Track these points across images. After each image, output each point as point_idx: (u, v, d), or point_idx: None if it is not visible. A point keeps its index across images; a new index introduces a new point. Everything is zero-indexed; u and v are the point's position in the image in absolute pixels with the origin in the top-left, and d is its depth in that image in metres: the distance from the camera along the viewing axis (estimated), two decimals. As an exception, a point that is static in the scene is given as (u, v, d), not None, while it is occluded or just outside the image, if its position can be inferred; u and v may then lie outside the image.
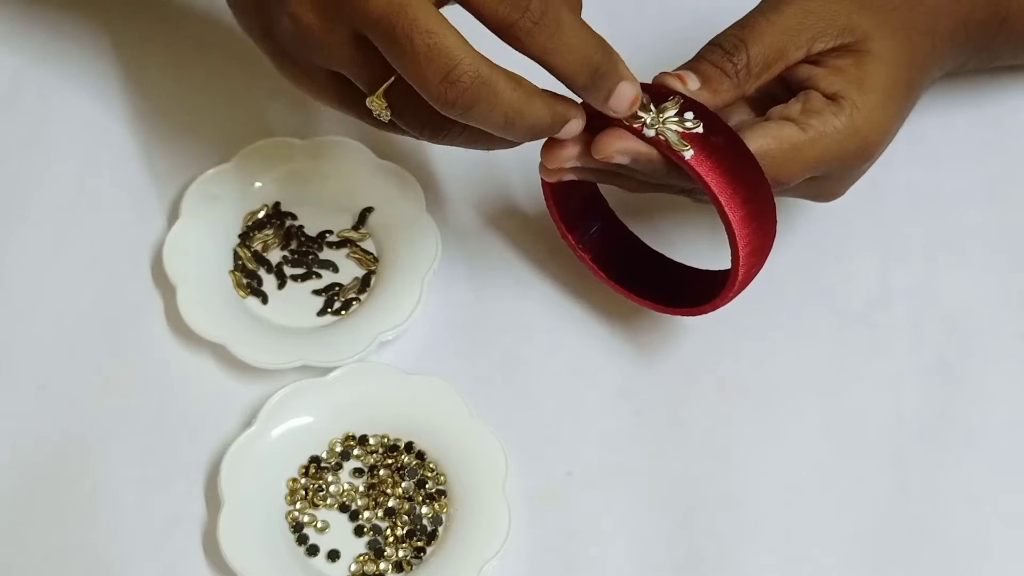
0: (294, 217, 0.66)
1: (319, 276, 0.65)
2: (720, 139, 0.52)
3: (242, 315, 0.63)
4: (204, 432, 0.60)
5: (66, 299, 0.63)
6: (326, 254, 0.66)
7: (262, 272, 0.65)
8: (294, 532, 0.59)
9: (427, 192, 0.65)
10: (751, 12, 0.56)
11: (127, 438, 0.60)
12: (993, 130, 0.69)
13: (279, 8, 0.49)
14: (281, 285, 0.65)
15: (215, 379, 0.62)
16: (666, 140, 0.51)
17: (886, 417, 0.62)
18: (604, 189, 0.63)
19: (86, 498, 0.59)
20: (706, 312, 0.57)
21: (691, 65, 0.55)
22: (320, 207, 0.66)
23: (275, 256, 0.65)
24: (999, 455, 0.61)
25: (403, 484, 0.60)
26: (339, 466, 0.60)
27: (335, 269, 0.65)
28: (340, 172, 0.66)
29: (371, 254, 0.66)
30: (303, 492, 0.59)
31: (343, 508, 0.59)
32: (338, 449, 0.60)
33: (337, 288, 0.65)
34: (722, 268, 0.56)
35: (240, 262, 0.65)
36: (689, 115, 0.52)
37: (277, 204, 0.66)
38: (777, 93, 0.56)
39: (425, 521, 0.59)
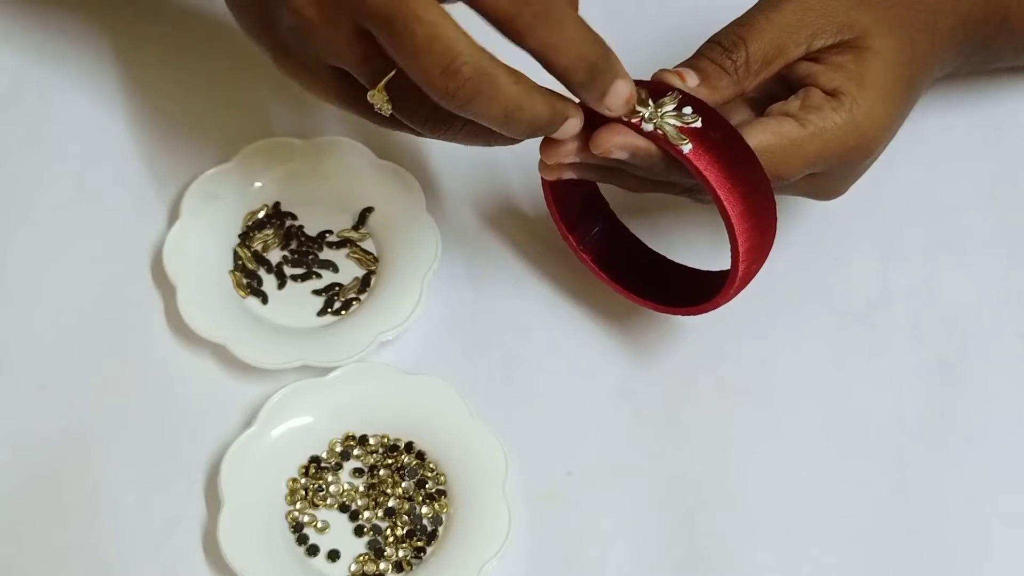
0: (294, 217, 0.66)
1: (319, 276, 0.65)
2: (719, 134, 0.52)
3: (242, 315, 0.63)
4: (204, 432, 0.60)
5: (66, 299, 0.63)
6: (326, 254, 0.66)
7: (262, 272, 0.65)
8: (294, 532, 0.59)
9: (427, 192, 0.65)
10: (750, 10, 0.56)
11: (127, 438, 0.60)
12: (993, 130, 0.69)
13: (279, 3, 0.49)
14: (281, 285, 0.65)
15: (215, 379, 0.62)
16: (664, 134, 0.51)
17: (886, 417, 0.62)
18: (604, 190, 0.63)
19: (86, 498, 0.59)
20: (707, 311, 0.57)
21: (690, 62, 0.55)
22: (320, 207, 0.66)
23: (275, 256, 0.65)
24: (999, 455, 0.61)
25: (403, 484, 0.60)
26: (339, 466, 0.60)
27: (335, 269, 0.65)
28: (340, 172, 0.66)
29: (371, 254, 0.66)
30: (303, 492, 0.59)
31: (343, 508, 0.59)
32: (338, 449, 0.60)
33: (337, 288, 0.65)
34: (722, 269, 0.56)
35: (240, 262, 0.65)
36: (687, 110, 0.52)
37: (277, 204, 0.66)
38: (777, 93, 0.56)
39: (425, 521, 0.59)
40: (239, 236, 0.65)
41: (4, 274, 0.64)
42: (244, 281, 0.64)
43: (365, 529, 0.59)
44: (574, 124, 0.51)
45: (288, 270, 0.65)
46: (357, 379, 0.61)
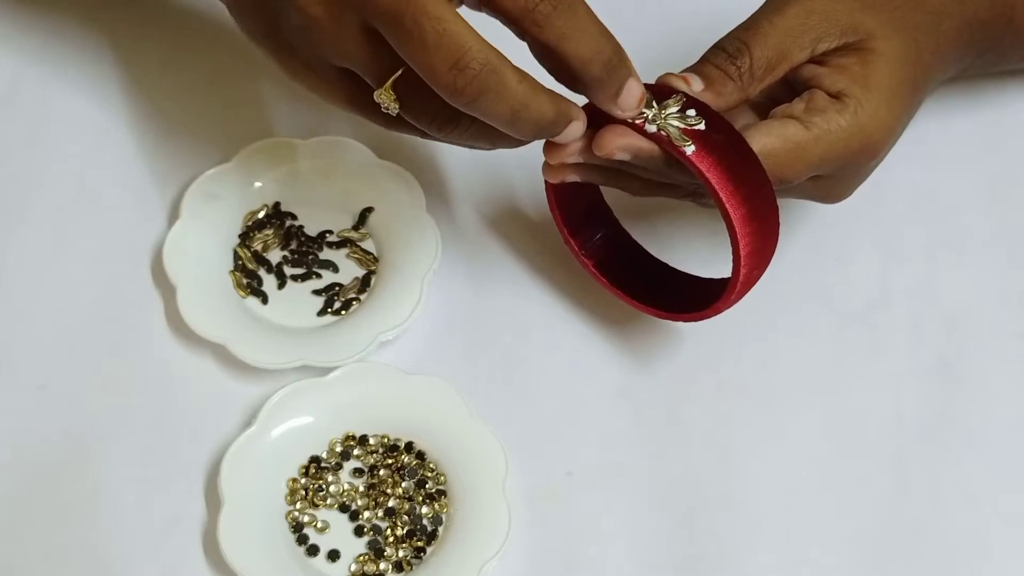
0: (294, 217, 0.66)
1: (319, 276, 0.65)
2: (722, 136, 0.52)
3: (242, 315, 0.63)
4: (204, 432, 0.60)
5: (66, 299, 0.63)
6: (326, 254, 0.66)
7: (262, 272, 0.65)
8: (294, 532, 0.59)
9: (427, 192, 0.65)
10: (754, 14, 0.55)
11: (127, 438, 0.60)
12: (993, 131, 0.69)
13: (286, 2, 0.49)
14: (281, 285, 0.65)
15: (215, 379, 0.62)
16: (668, 136, 0.51)
17: (886, 417, 0.62)
18: (607, 195, 0.63)
19: (86, 498, 0.59)
20: (708, 316, 0.57)
21: (695, 68, 0.55)
22: (320, 207, 0.66)
23: (275, 256, 0.65)
24: (999, 455, 0.61)
25: (403, 484, 0.60)
26: (339, 466, 0.60)
27: (335, 269, 0.65)
28: (340, 172, 0.66)
29: (371, 254, 0.66)
30: (303, 492, 0.59)
31: (343, 508, 0.59)
32: (338, 449, 0.60)
33: (337, 288, 0.65)
34: (724, 277, 0.56)
35: (240, 262, 0.65)
36: (691, 112, 0.52)
37: (277, 204, 0.66)
38: (781, 97, 0.56)
39: (425, 521, 0.59)
40: (239, 236, 0.65)
41: (4, 274, 0.64)
42: (244, 281, 0.64)
43: (365, 529, 0.59)
44: (577, 127, 0.51)
45: (288, 270, 0.65)
46: (357, 379, 0.61)
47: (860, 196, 0.61)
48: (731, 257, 0.53)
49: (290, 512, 0.59)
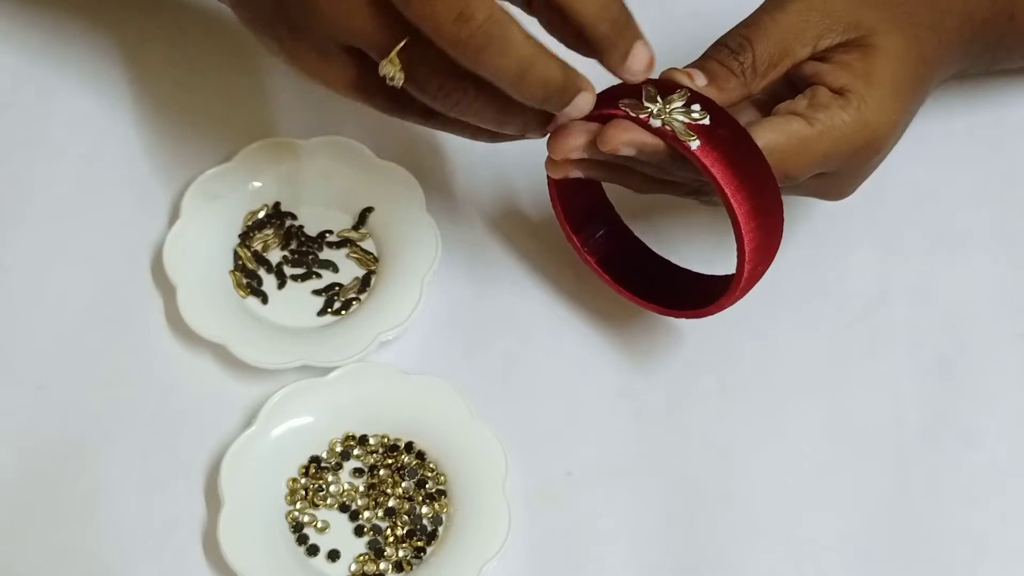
0: (294, 217, 0.66)
1: (319, 276, 0.65)
2: (726, 131, 0.51)
3: (242, 315, 0.63)
4: (204, 432, 0.60)
5: (66, 299, 0.63)
6: (326, 254, 0.66)
7: (262, 272, 0.65)
8: (294, 532, 0.59)
9: (427, 192, 0.65)
10: (756, 11, 0.56)
11: (127, 438, 0.60)
12: (994, 130, 0.69)
13: None
14: (281, 285, 0.65)
15: (215, 379, 0.62)
16: (672, 131, 0.51)
17: (886, 417, 0.62)
18: (609, 194, 0.63)
19: (86, 498, 0.59)
20: (712, 312, 0.57)
21: (698, 64, 0.55)
22: (320, 207, 0.66)
23: (275, 256, 0.65)
24: (999, 455, 0.61)
25: (403, 484, 0.60)
26: (339, 466, 0.60)
27: (335, 269, 0.65)
28: (340, 172, 0.66)
29: (371, 254, 0.66)
30: (303, 492, 0.59)
31: (343, 508, 0.59)
32: (338, 449, 0.60)
33: (337, 288, 0.65)
34: (727, 273, 0.56)
35: (240, 262, 0.65)
36: (696, 107, 0.52)
37: (277, 204, 0.66)
38: (784, 96, 0.56)
39: (425, 521, 0.59)
40: (239, 236, 0.65)
41: (4, 274, 0.64)
42: (244, 281, 0.64)
43: (365, 529, 0.59)
44: (586, 99, 0.50)
45: (288, 270, 0.65)
46: (357, 379, 0.61)
47: (860, 195, 0.61)
48: (734, 255, 0.53)
49: (290, 512, 0.59)
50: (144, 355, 0.62)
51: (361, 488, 0.60)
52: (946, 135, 0.69)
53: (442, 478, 0.60)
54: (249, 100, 0.69)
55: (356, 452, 0.61)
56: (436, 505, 0.59)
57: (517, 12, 0.50)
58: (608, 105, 0.52)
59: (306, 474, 0.60)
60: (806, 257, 0.66)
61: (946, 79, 0.61)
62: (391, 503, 0.60)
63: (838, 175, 0.56)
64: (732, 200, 0.51)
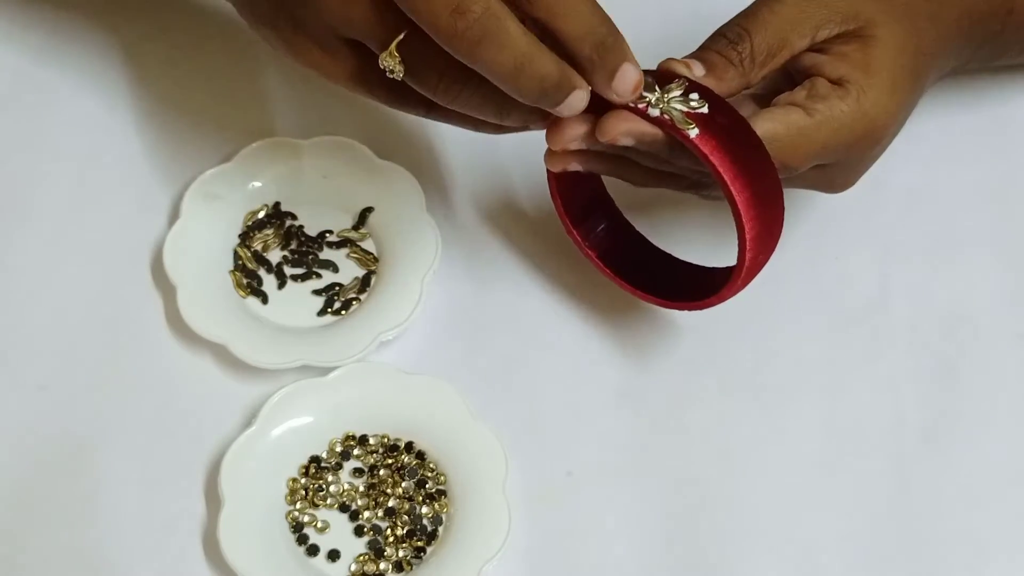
0: (294, 217, 0.66)
1: (319, 276, 0.65)
2: (725, 120, 0.51)
3: (242, 315, 0.63)
4: (204, 432, 0.60)
5: (66, 299, 0.63)
6: (326, 254, 0.66)
7: (262, 272, 0.65)
8: (294, 532, 0.59)
9: (427, 192, 0.65)
10: (754, 2, 0.56)
11: (127, 438, 0.60)
12: (993, 130, 0.69)
13: None
14: (281, 285, 0.65)
15: (215, 379, 0.62)
16: (671, 119, 0.51)
17: (886, 417, 0.62)
18: (609, 188, 0.63)
19: (86, 498, 0.59)
20: (713, 304, 0.57)
21: (696, 54, 0.55)
22: (320, 207, 0.66)
23: (275, 256, 0.65)
24: (999, 455, 0.61)
25: (403, 484, 0.60)
26: (339, 466, 0.60)
27: (335, 269, 0.65)
28: (340, 172, 0.66)
29: (371, 254, 0.66)
30: (303, 492, 0.59)
31: (343, 508, 0.59)
32: (338, 449, 0.60)
33: (337, 288, 0.65)
34: (727, 266, 0.56)
35: (240, 262, 0.65)
36: (694, 96, 0.52)
37: (277, 204, 0.66)
38: (782, 88, 0.56)
39: (425, 521, 0.59)
40: (239, 236, 0.65)
41: (4, 274, 0.64)
42: (244, 281, 0.64)
43: (365, 529, 0.59)
44: (580, 97, 0.50)
45: (288, 270, 0.65)
46: (357, 379, 0.61)
47: (859, 196, 0.61)
48: (735, 249, 0.53)
49: (290, 512, 0.59)
50: (144, 355, 0.62)
51: (361, 488, 0.60)
52: (945, 135, 0.69)
53: (442, 478, 0.60)
54: (249, 100, 0.69)
55: (356, 452, 0.61)
56: (436, 505, 0.59)
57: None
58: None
59: (306, 474, 0.60)
60: (806, 257, 0.66)
61: (946, 72, 0.61)
62: (391, 503, 0.60)
63: (837, 166, 0.56)
64: (731, 187, 0.51)
